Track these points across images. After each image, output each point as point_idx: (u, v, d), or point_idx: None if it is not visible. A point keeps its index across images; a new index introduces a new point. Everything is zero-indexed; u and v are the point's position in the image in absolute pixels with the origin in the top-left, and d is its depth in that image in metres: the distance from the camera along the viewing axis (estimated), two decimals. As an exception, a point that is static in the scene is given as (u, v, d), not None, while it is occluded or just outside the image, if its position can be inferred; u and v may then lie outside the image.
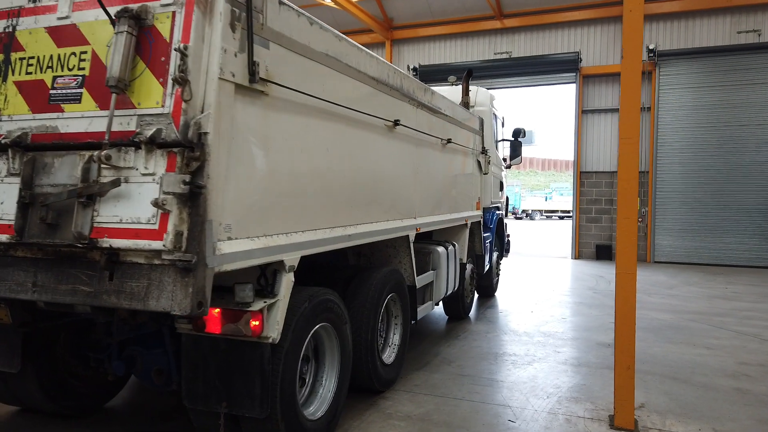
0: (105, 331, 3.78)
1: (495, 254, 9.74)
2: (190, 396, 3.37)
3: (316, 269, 4.99)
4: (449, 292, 6.94)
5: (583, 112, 16.39)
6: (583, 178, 16.46)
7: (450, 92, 8.52)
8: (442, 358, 6.03)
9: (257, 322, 3.15)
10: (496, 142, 9.74)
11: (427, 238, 7.25)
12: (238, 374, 3.29)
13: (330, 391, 4.00)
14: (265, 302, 3.21)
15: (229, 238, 2.85)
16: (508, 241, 10.97)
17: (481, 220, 8.46)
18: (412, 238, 5.44)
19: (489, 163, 8.59)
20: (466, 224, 7.59)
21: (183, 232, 2.58)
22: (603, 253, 16.05)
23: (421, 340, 6.74)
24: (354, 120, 4.16)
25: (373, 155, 4.58)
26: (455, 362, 5.88)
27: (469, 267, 8.01)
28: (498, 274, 10.05)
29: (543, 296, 9.96)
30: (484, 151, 8.37)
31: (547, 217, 46.94)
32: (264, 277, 3.35)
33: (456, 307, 7.80)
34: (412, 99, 5.33)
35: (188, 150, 2.59)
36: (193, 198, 2.60)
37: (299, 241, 3.46)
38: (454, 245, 7.10)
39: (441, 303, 7.80)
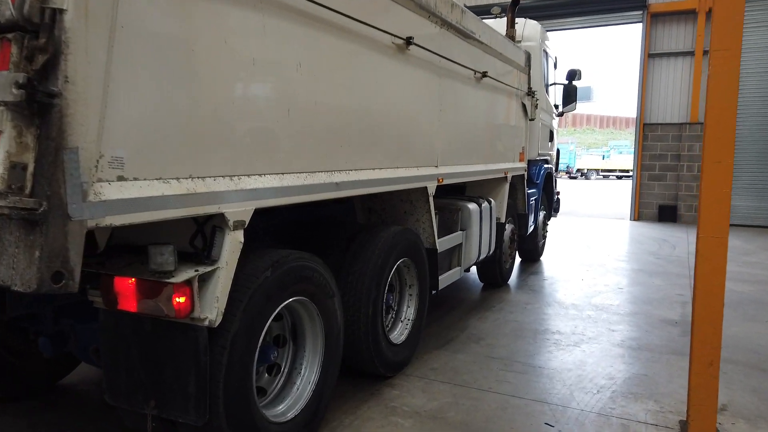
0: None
1: (541, 214, 8.58)
2: (111, 390, 2.56)
3: (308, 227, 4.07)
4: (483, 257, 5.92)
5: (650, 56, 14.59)
6: (646, 131, 14.79)
7: (493, 26, 7.26)
8: (469, 334, 5.07)
9: (183, 299, 2.26)
10: (547, 85, 8.45)
11: (457, 193, 6.20)
12: (168, 366, 2.43)
13: (310, 384, 3.11)
14: (196, 271, 2.31)
15: (121, 178, 1.94)
16: (558, 199, 9.75)
17: (525, 173, 7.30)
18: (431, 191, 4.42)
19: (536, 107, 7.36)
20: (506, 178, 6.48)
21: (26, 165, 1.68)
22: (666, 214, 14.50)
23: (447, 311, 5.79)
24: (344, 29, 3.13)
25: (374, 81, 3.55)
26: (485, 340, 4.91)
27: (508, 228, 6.93)
28: (544, 236, 8.90)
29: (596, 261, 8.77)
30: (531, 93, 7.14)
31: (604, 176, 44.45)
32: (202, 237, 2.44)
33: (492, 273, 6.77)
34: (434, 15, 4.21)
35: (29, 36, 1.65)
36: (42, 112, 1.68)
37: (252, 188, 2.52)
38: (489, 202, 6.03)
39: (474, 268, 6.79)
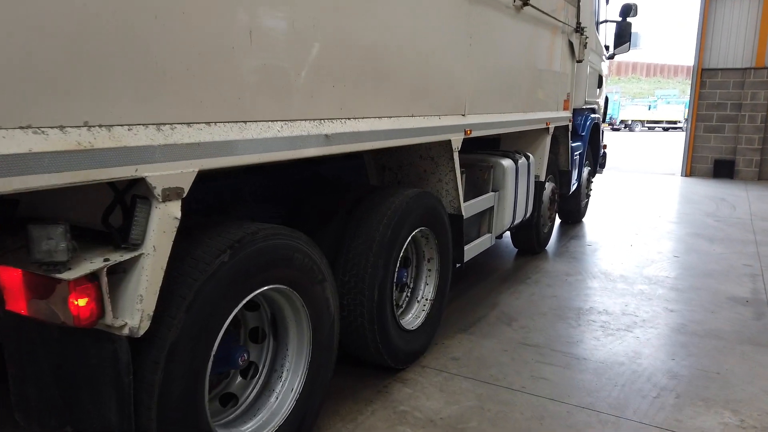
0: None
1: (585, 170, 7.66)
2: (20, 409, 1.95)
3: (301, 190, 3.36)
4: (518, 221, 5.12)
5: (713, -8, 13.03)
6: (704, 77, 13.37)
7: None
8: (499, 312, 4.35)
9: (84, 300, 1.59)
10: (597, 22, 7.37)
11: (489, 147, 5.37)
12: (83, 386, 1.80)
13: (293, 393, 2.46)
14: (105, 261, 1.63)
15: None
16: (604, 153, 8.75)
17: (570, 124, 6.37)
18: (456, 145, 3.62)
19: (585, 46, 6.36)
20: (548, 129, 5.59)
21: None
22: (722, 170, 13.25)
23: (475, 283, 5.06)
24: (334, -75, 2.30)
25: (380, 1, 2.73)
26: (518, 321, 4.18)
27: (548, 187, 6.07)
28: (588, 196, 7.99)
29: (646, 224, 7.85)
30: (579, 30, 6.12)
31: (649, 128, 42.23)
32: (122, 211, 1.75)
33: (528, 238, 5.98)
34: None
35: None
36: None
37: (191, 142, 1.79)
38: (527, 158, 5.18)
39: (508, 232, 6.01)
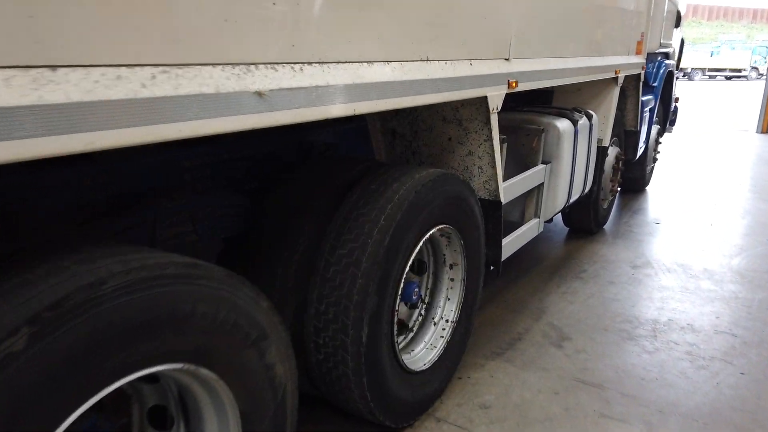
0: None
1: (654, 129, 6.35)
2: None
3: (264, 170, 2.37)
4: (574, 199, 4.00)
5: None
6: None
7: None
8: (547, 324, 3.30)
9: None
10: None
11: (538, 103, 4.20)
12: None
13: None
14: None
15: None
16: (676, 107, 7.36)
17: (642, 73, 5.08)
18: (496, 104, 2.51)
19: (666, -28, 4.99)
20: (617, 79, 4.35)
21: None
22: (807, 126, 11.53)
23: (515, 278, 4.00)
24: None
25: None
26: (572, 339, 3.14)
27: (611, 153, 4.86)
28: (655, 159, 6.69)
29: (724, 194, 6.55)
30: (660, -51, 4.76)
31: (710, 77, 38.99)
32: None
33: (584, 216, 4.83)
34: None
35: None
36: None
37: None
38: (589, 117, 4.00)
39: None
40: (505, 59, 2.59)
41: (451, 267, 2.60)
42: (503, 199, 2.77)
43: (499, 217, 2.80)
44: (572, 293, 3.74)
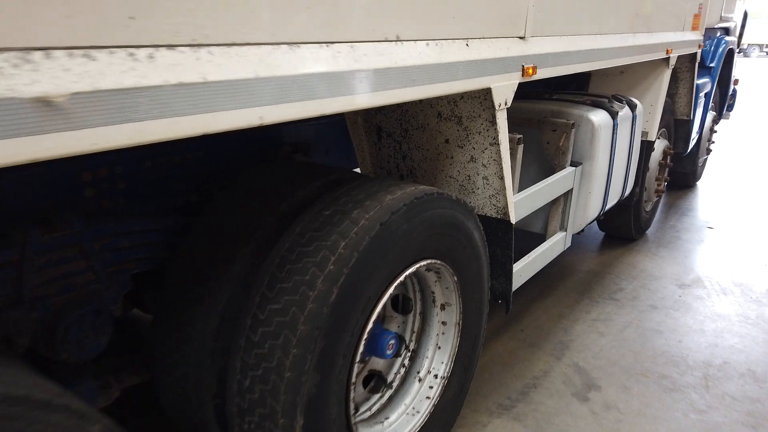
0: None
1: (710, 116, 5.54)
2: None
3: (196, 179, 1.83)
4: (610, 206, 3.35)
5: None
6: None
7: None
8: (570, 365, 2.70)
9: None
10: None
11: (571, 88, 3.54)
12: None
13: None
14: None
15: None
16: (735, 90, 6.48)
17: (698, 52, 4.30)
18: (504, 98, 1.89)
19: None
20: (668, 60, 3.63)
21: None
22: None
23: (535, 298, 3.39)
24: None
25: None
26: (600, 388, 2.53)
27: (659, 147, 4.15)
28: (709, 151, 5.88)
29: (789, 192, 5.71)
30: None
31: (768, 54, 36.55)
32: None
33: (623, 221, 4.14)
34: None
35: None
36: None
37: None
38: (632, 107, 3.31)
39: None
40: (520, 37, 1.96)
41: (442, 307, 2.02)
42: (514, 218, 2.17)
43: (509, 241, 2.20)
44: (604, 321, 3.11)
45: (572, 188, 2.89)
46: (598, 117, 2.92)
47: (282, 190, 1.73)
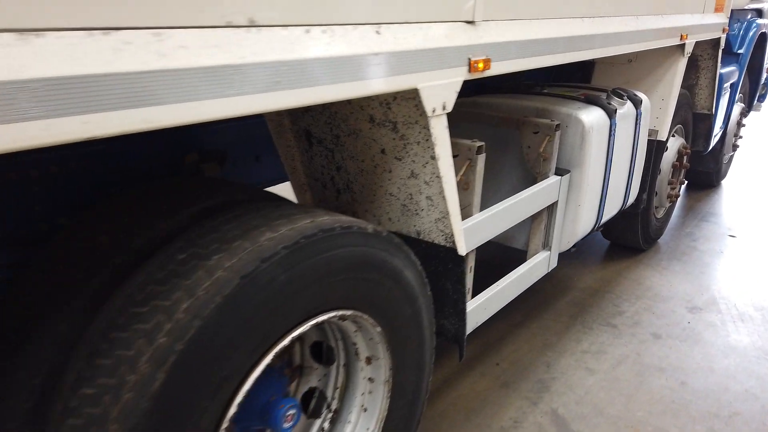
0: None
1: (737, 108, 4.98)
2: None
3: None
4: (608, 218, 2.89)
5: None
6: None
7: None
8: (546, 412, 2.27)
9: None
10: None
11: (568, 79, 3.08)
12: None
13: None
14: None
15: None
16: (767, 79, 5.86)
17: (723, 37, 3.76)
18: (440, 102, 1.47)
19: None
20: (682, 47, 3.13)
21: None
22: None
23: (519, 323, 2.96)
24: None
25: None
26: (582, 444, 2.11)
27: (673, 146, 3.64)
28: (735, 147, 5.30)
29: (826, 194, 5.13)
30: None
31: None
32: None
33: (629, 231, 3.65)
34: None
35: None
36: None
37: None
38: (636, 102, 2.83)
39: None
40: (467, 22, 1.53)
41: (368, 361, 1.63)
42: (464, 247, 1.75)
43: (460, 274, 1.78)
44: (596, 354, 2.68)
45: (557, 201, 2.44)
46: (591, 116, 2.46)
47: (142, 220, 1.35)
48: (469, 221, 1.90)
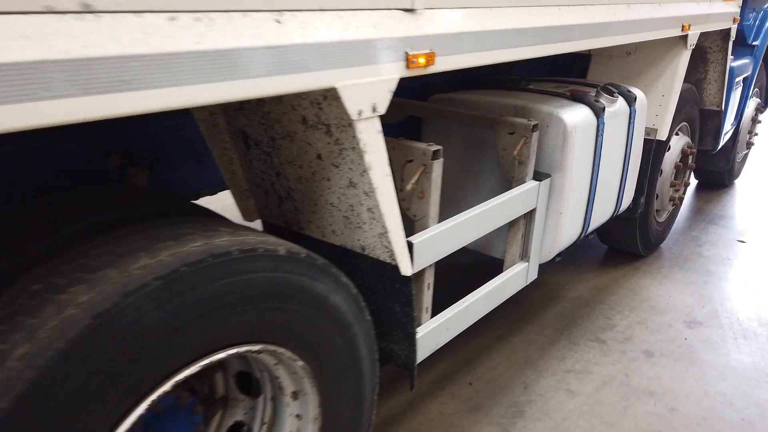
0: None
1: (752, 103, 4.68)
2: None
3: None
4: (596, 226, 2.66)
5: None
6: None
7: None
8: (521, 442, 2.08)
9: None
10: None
11: (553, 77, 2.84)
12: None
13: None
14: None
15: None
16: (787, 73, 5.52)
17: (734, 27, 3.48)
18: (369, 103, 1.26)
19: None
20: (685, 39, 2.87)
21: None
22: None
23: (502, 336, 2.75)
24: None
25: None
26: (553, 480, 1.91)
27: (677, 145, 3.38)
28: (750, 145, 4.99)
29: None
30: None
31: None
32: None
33: (626, 236, 3.40)
34: None
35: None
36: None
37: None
38: (629, 99, 2.58)
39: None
40: (406, 9, 1.32)
41: (294, 396, 1.44)
42: (410, 267, 1.55)
43: (408, 295, 1.58)
44: (580, 374, 2.46)
45: (535, 208, 2.22)
46: (574, 116, 2.23)
47: (16, 240, 1.17)
48: (424, 234, 1.69)
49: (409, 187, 1.72)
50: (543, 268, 2.44)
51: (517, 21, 1.62)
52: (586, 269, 3.41)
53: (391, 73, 1.29)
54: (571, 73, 3.31)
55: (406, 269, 1.51)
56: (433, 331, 1.86)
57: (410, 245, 1.64)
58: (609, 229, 3.35)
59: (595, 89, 2.48)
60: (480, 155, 2.37)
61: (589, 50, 3.16)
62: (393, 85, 1.31)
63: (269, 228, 1.85)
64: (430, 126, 2.55)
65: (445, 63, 1.41)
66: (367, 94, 1.25)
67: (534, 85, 2.63)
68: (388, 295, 1.62)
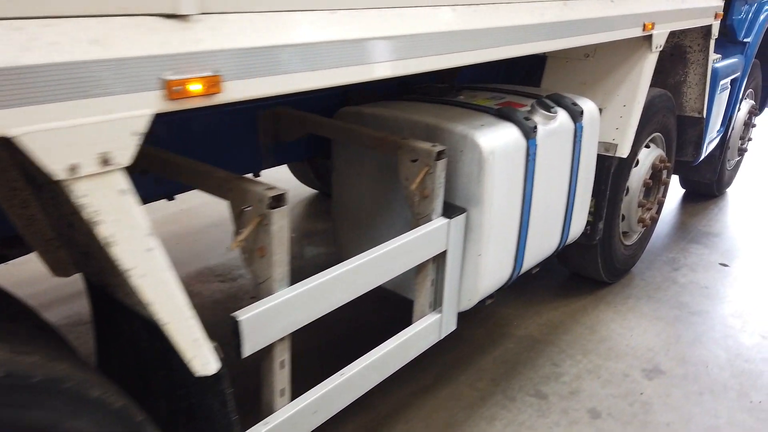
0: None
1: (745, 106, 4.22)
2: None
3: None
4: (534, 262, 2.26)
5: None
6: None
7: None
8: None
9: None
10: None
11: (495, 84, 2.40)
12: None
13: None
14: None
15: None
16: (786, 72, 5.03)
17: (715, 24, 3.03)
18: (104, 152, 0.87)
19: None
20: (649, 39, 2.43)
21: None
22: None
23: (429, 387, 2.36)
24: None
25: None
26: None
27: (646, 160, 2.94)
28: (742, 152, 4.52)
29: None
30: None
31: None
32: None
33: (587, 263, 2.98)
34: None
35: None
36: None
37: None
38: (574, 114, 2.16)
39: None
40: (168, 16, 0.92)
41: None
42: (213, 363, 1.16)
43: (219, 393, 1.19)
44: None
45: (446, 250, 1.82)
46: (494, 138, 1.82)
47: None
48: (257, 307, 1.30)
49: (243, 239, 1.33)
50: (497, 296, 2.05)
51: (372, 28, 1.21)
52: (541, 299, 3.00)
53: (136, 108, 0.90)
54: (530, 78, 2.90)
55: (206, 366, 1.12)
56: (293, 419, 1.47)
57: (235, 323, 1.25)
58: (568, 254, 2.95)
59: (536, 99, 2.07)
60: (393, 183, 1.97)
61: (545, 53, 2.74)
62: (140, 126, 0.91)
63: (91, 287, 1.47)
64: (341, 147, 2.14)
65: (239, 89, 1.00)
66: (84, 141, 0.85)
67: (465, 95, 2.22)
68: (206, 389, 1.23)
